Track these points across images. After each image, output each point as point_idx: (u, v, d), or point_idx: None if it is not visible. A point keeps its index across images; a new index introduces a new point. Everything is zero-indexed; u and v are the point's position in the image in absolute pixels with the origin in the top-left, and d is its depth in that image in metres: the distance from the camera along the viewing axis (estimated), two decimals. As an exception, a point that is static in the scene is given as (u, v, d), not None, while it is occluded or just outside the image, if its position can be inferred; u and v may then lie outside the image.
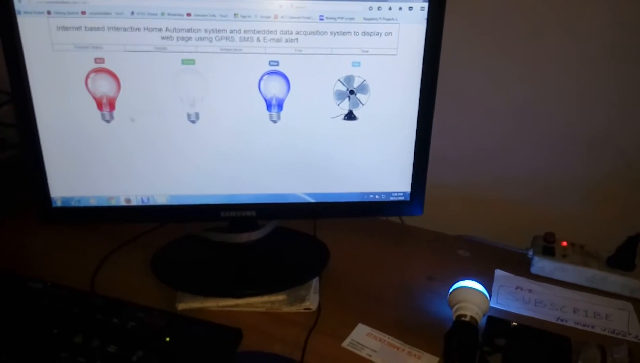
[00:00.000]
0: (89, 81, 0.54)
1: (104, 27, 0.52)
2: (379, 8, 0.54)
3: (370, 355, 0.52)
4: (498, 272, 0.67)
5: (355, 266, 0.68)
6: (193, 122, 0.56)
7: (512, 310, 0.60)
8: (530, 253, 0.67)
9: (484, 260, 0.70)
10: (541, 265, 0.66)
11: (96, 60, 0.54)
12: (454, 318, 0.54)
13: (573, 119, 0.73)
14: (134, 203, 0.59)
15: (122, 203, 0.59)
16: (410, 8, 0.55)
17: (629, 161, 0.78)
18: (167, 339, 0.49)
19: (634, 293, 0.63)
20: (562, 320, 0.58)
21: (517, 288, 0.64)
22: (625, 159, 0.77)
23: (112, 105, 0.56)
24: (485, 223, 0.79)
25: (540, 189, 0.78)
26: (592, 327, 0.57)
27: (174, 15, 0.52)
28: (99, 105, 0.55)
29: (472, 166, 0.82)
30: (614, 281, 0.63)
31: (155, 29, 0.53)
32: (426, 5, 0.55)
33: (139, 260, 0.66)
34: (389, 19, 0.55)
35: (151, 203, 0.59)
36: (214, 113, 0.56)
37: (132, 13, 0.52)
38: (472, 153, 0.81)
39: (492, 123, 0.78)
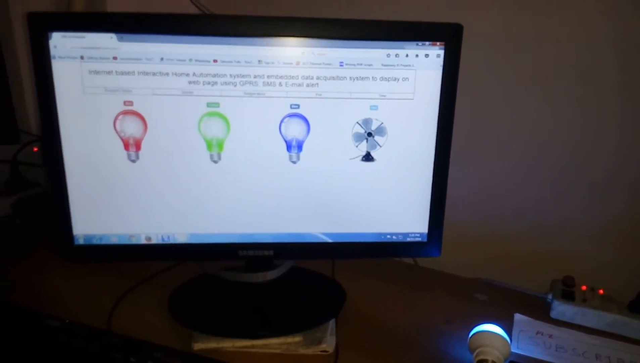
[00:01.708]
0: (117, 122, 0.56)
1: (134, 72, 0.55)
2: (397, 55, 0.56)
3: (390, 402, 0.51)
4: (518, 316, 0.66)
5: (371, 308, 0.67)
6: (215, 162, 0.58)
7: (534, 355, 0.58)
8: (550, 297, 0.66)
9: (502, 304, 0.69)
10: (561, 309, 0.65)
11: (125, 103, 0.56)
12: (474, 363, 0.53)
13: (591, 160, 0.74)
14: (154, 241, 0.60)
15: (143, 241, 0.59)
16: (427, 55, 0.57)
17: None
18: (184, 380, 0.48)
19: (657, 339, 0.61)
20: (584, 367, 0.57)
21: (537, 332, 0.63)
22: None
23: (138, 146, 0.57)
24: (502, 266, 0.79)
25: (558, 232, 0.78)
26: (616, 374, 0.56)
27: (201, 61, 0.55)
28: (126, 145, 0.57)
29: (487, 207, 0.82)
30: (636, 326, 0.62)
31: (183, 74, 0.55)
32: (442, 53, 0.57)
33: (155, 298, 0.66)
34: (406, 65, 0.57)
35: (171, 241, 0.60)
36: (236, 154, 0.58)
37: (162, 59, 0.54)
38: (488, 194, 0.82)
39: (512, 165, 0.79)
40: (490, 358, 0.52)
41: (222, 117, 0.57)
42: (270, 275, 0.65)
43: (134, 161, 0.57)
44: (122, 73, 0.55)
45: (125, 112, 0.56)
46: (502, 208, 0.81)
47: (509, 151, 0.78)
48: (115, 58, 0.54)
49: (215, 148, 0.58)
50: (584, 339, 0.62)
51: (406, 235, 0.63)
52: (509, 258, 0.80)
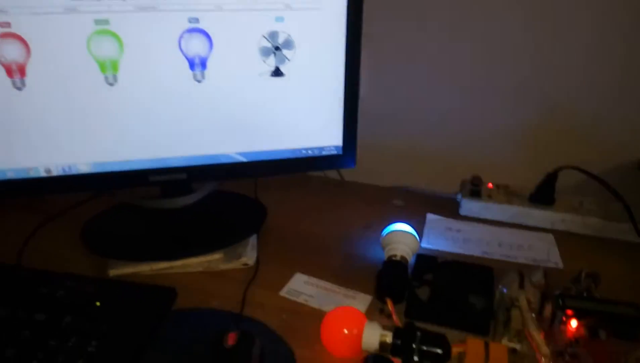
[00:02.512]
0: (-5, 46, 0.51)
1: (5, -12, 0.49)
2: (296, -41, 0.54)
3: (307, 300, 0.54)
4: (429, 216, 0.70)
5: (294, 222, 0.69)
6: (111, 85, 0.55)
7: (443, 249, 0.63)
8: (459, 196, 0.70)
9: (417, 207, 0.73)
10: (469, 206, 0.69)
11: (1, 24, 0.51)
12: (385, 259, 0.56)
13: (498, 67, 0.76)
14: (55, 173, 0.57)
15: (43, 174, 0.56)
16: (327, -41, 0.55)
17: (552, 107, 0.83)
18: (98, 303, 0.48)
19: (554, 225, 0.67)
20: (486, 254, 0.62)
21: (447, 229, 0.67)
22: (549, 105, 0.82)
23: (22, 71, 0.53)
24: (418, 173, 0.82)
25: (469, 137, 0.82)
26: (516, 257, 0.61)
27: (81, -29, 0.50)
28: (9, 72, 0.53)
29: (402, 118, 0.84)
30: (536, 216, 0.67)
31: (62, -13, 0.50)
32: (344, -43, 0.55)
33: (68, 234, 0.64)
34: (308, -28, 0.55)
35: (73, 172, 0.57)
36: (134, 75, 0.55)
37: (34, -30, 0.49)
38: (402, 105, 0.83)
39: (420, 75, 0.80)
40: (399, 254, 0.55)
41: (113, 35, 0.53)
42: (189, 199, 0.64)
43: (20, 89, 0.53)
44: (-8, -9, 0.49)
45: (3, 35, 0.51)
46: (418, 119, 0.83)
47: (423, 61, 0.79)
48: (-18, -27, 0.49)
49: (109, 69, 0.54)
50: (489, 231, 0.67)
51: (321, 148, 0.64)
52: (424, 166, 0.84)
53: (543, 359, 0.43)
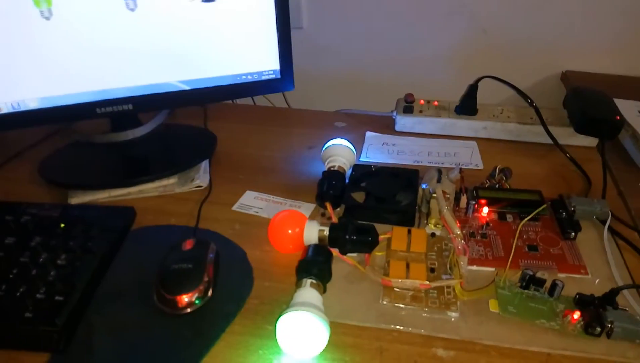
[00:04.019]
0: None
1: None
2: None
3: (257, 212, 0.60)
4: (368, 134, 0.76)
5: (243, 147, 0.74)
6: (47, 18, 0.56)
7: (378, 161, 0.69)
8: (394, 113, 0.76)
9: (358, 128, 0.78)
10: (403, 122, 0.75)
11: None
12: (325, 170, 0.62)
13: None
14: (5, 110, 0.59)
15: (-9, 111, 0.58)
16: None
17: (484, 27, 0.88)
18: (62, 225, 0.53)
19: (478, 133, 0.75)
20: (417, 162, 0.69)
21: (383, 144, 0.74)
22: (480, 25, 0.87)
23: (-44, 11, 0.53)
24: (359, 97, 0.88)
25: (403, 60, 0.87)
26: (442, 163, 0.69)
27: None
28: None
29: (342, 46, 0.88)
30: (461, 125, 0.75)
31: None
32: None
33: (26, 172, 0.67)
34: None
35: (22, 108, 0.59)
36: (68, 6, 0.56)
37: None
38: (341, 34, 0.87)
39: (356, 5, 0.84)
40: (337, 164, 0.61)
41: (42, -33, 0.54)
42: (139, 131, 0.68)
43: (-47, 27, 0.54)
44: None
45: None
46: (357, 47, 0.88)
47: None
48: None
49: (43, 2, 0.55)
50: (420, 142, 0.74)
51: (260, 73, 0.67)
52: (363, 89, 0.89)
53: (456, 239, 0.51)
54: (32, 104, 0.59)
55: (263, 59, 0.67)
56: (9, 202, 0.56)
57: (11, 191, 0.63)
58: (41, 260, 0.48)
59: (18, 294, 0.44)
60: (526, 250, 0.52)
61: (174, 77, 0.64)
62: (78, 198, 0.60)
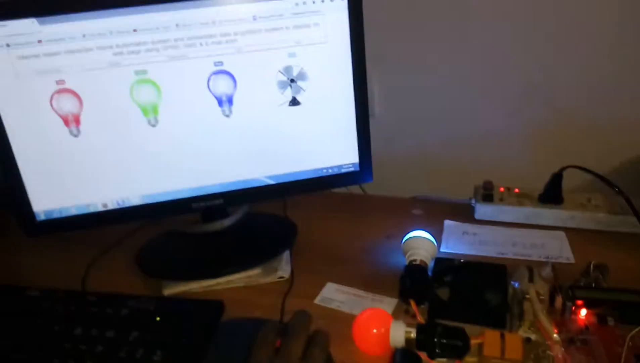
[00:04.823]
0: (54, 101, 0.59)
1: (60, 52, 0.58)
2: (304, 3, 0.61)
3: (339, 306, 0.60)
4: (447, 222, 0.75)
5: (322, 237, 0.75)
6: (153, 126, 0.62)
7: (460, 252, 0.68)
8: (473, 201, 0.75)
9: (435, 215, 0.78)
10: (483, 210, 0.74)
11: (57, 82, 0.59)
12: (406, 264, 0.61)
13: (503, 72, 0.82)
14: (110, 206, 0.65)
15: (100, 208, 0.64)
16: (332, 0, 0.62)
17: (555, 109, 0.87)
18: (158, 318, 0.55)
19: (565, 222, 0.72)
20: (502, 254, 0.67)
21: (463, 233, 0.72)
22: (553, 107, 0.86)
23: (77, 121, 0.61)
24: (434, 182, 0.88)
25: (477, 142, 0.87)
26: (529, 255, 0.66)
27: (122, 32, 0.58)
28: (66, 122, 0.61)
29: (414, 130, 0.90)
30: (547, 215, 0.72)
31: (107, 47, 0.58)
32: (345, -5, 0.62)
33: (124, 261, 0.72)
34: (315, 12, 0.62)
35: (126, 204, 0.65)
36: (172, 115, 0.63)
37: (84, 35, 0.57)
38: (413, 117, 0.89)
39: (427, 86, 0.86)
40: (418, 258, 0.61)
41: (152, 82, 0.61)
42: (227, 222, 0.71)
43: (76, 136, 0.61)
44: (49, 54, 0.58)
45: (59, 91, 0.60)
46: (429, 129, 0.89)
47: (428, 73, 0.85)
48: (40, 41, 0.57)
49: (150, 112, 0.62)
50: (503, 232, 0.72)
51: (340, 166, 0.70)
52: (438, 174, 0.89)
53: (556, 346, 0.48)
54: (135, 201, 0.65)
55: (343, 154, 0.70)
56: (110, 294, 0.60)
57: (111, 280, 0.68)
58: (138, 355, 0.50)
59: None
60: (634, 360, 0.48)
61: (261, 173, 0.68)
62: (172, 289, 0.63)
